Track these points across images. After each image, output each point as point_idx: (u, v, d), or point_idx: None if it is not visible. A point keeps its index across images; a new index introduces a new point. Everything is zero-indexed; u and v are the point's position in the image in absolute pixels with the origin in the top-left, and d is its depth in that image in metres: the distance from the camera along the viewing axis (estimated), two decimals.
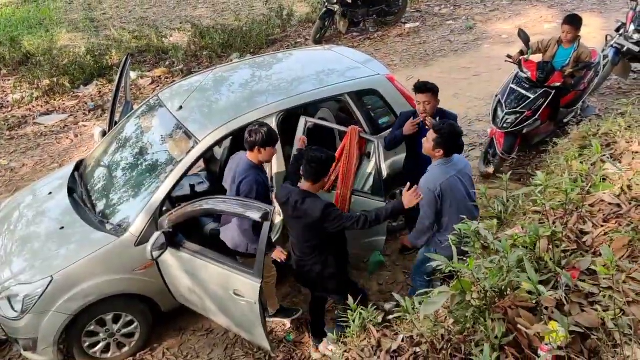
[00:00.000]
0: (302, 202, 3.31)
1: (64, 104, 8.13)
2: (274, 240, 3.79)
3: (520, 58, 5.33)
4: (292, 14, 10.60)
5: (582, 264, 2.29)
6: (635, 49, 6.20)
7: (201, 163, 5.24)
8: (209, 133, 3.86)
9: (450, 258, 2.16)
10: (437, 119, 4.00)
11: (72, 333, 3.70)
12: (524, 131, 5.20)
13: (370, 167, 4.12)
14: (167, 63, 9.13)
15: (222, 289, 3.50)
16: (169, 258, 3.67)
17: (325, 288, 3.65)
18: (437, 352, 2.23)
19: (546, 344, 1.97)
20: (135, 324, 3.91)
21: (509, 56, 5.49)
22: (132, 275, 3.72)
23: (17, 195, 4.64)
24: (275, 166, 4.03)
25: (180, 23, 10.72)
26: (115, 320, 3.83)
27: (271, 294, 4.09)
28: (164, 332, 4.19)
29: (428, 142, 3.43)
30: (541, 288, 1.90)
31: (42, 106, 8.07)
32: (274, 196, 3.74)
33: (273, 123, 3.99)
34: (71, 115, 7.82)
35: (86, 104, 8.04)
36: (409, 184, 3.42)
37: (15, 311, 3.55)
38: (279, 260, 3.66)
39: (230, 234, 3.79)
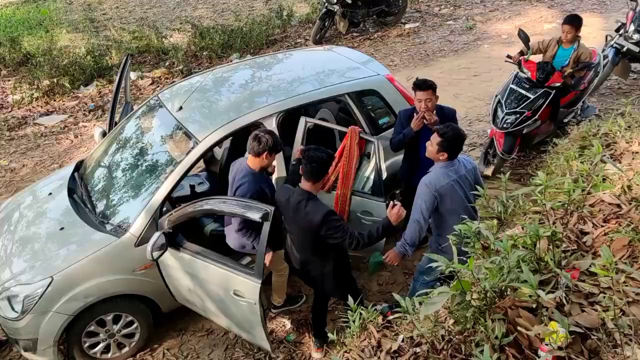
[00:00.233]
0: (304, 204, 3.31)
1: (64, 104, 8.13)
2: None
3: (520, 58, 5.33)
4: (292, 14, 10.60)
5: (582, 264, 2.29)
6: (635, 49, 6.21)
7: (201, 163, 5.25)
8: (209, 133, 3.87)
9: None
10: (435, 113, 4.00)
11: (72, 333, 3.70)
12: (524, 131, 5.20)
13: (370, 167, 4.12)
14: (167, 63, 9.13)
15: (222, 289, 3.50)
16: (169, 258, 3.67)
17: (326, 287, 3.65)
18: (437, 353, 2.23)
19: (546, 344, 1.97)
20: (136, 324, 3.91)
21: (508, 56, 5.50)
22: (132, 275, 3.72)
23: (17, 195, 4.64)
24: (276, 172, 4.04)
25: (180, 23, 10.71)
26: (116, 320, 3.83)
27: (282, 287, 4.15)
28: (164, 332, 4.19)
29: (432, 146, 3.41)
30: (540, 292, 1.89)
31: (42, 107, 8.07)
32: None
33: (273, 123, 4.00)
34: (71, 115, 7.82)
35: (86, 104, 8.05)
36: (391, 203, 3.42)
37: (16, 311, 3.55)
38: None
39: (233, 236, 3.80)
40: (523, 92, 5.18)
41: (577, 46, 5.32)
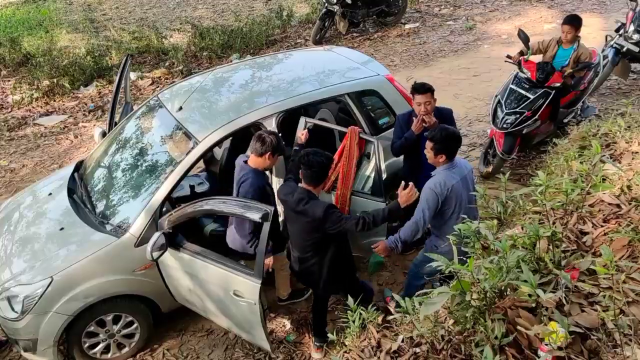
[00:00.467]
0: (305, 202, 3.33)
1: (63, 104, 8.13)
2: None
3: (520, 58, 5.33)
4: (291, 14, 10.61)
5: (581, 264, 2.29)
6: (635, 49, 6.21)
7: (201, 164, 5.25)
8: (209, 134, 3.87)
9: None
10: (433, 115, 4.01)
11: (72, 334, 3.70)
12: (524, 131, 5.21)
13: (370, 167, 4.12)
14: (167, 64, 9.13)
15: (222, 289, 3.50)
16: (169, 259, 3.67)
17: (326, 284, 3.64)
18: (437, 353, 2.24)
19: (546, 345, 1.97)
20: (135, 324, 3.91)
21: (508, 56, 5.50)
22: (132, 276, 3.72)
23: (17, 196, 4.63)
24: (275, 174, 4.04)
25: (180, 24, 10.72)
26: (115, 320, 3.83)
27: (286, 280, 4.17)
28: (164, 332, 4.19)
29: (429, 152, 3.45)
30: (539, 291, 1.89)
31: (42, 107, 8.07)
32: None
33: (273, 124, 4.00)
34: (71, 116, 7.82)
35: (86, 104, 8.05)
36: (403, 182, 3.43)
37: (15, 312, 3.55)
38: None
39: (233, 238, 3.80)
40: (523, 92, 5.18)
41: (577, 46, 5.32)
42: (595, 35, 8.01)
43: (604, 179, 2.88)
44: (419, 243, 4.55)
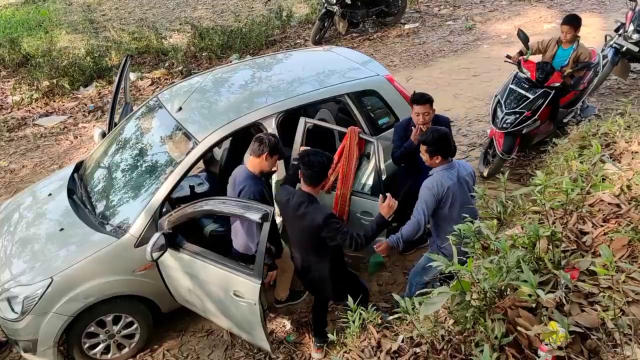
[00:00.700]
0: (305, 205, 3.32)
1: (63, 105, 8.13)
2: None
3: (520, 58, 5.33)
4: (291, 15, 10.61)
5: (581, 264, 2.29)
6: (635, 48, 6.21)
7: (201, 164, 5.25)
8: (209, 134, 3.87)
9: None
10: (431, 123, 4.03)
11: (72, 334, 3.70)
12: (524, 131, 5.21)
13: (369, 167, 4.12)
14: (167, 64, 9.13)
15: (221, 289, 3.50)
16: (169, 259, 3.67)
17: (325, 290, 3.65)
18: (437, 353, 2.24)
19: (546, 344, 1.97)
20: (135, 325, 3.91)
21: (508, 56, 5.50)
22: (132, 276, 3.72)
23: (17, 196, 4.63)
24: (275, 174, 4.04)
25: (180, 24, 10.72)
26: (115, 321, 3.83)
27: (287, 282, 4.16)
28: (164, 333, 4.19)
29: (424, 155, 3.49)
30: (539, 292, 1.89)
31: (41, 107, 8.07)
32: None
33: (272, 124, 4.00)
34: (71, 116, 7.82)
35: (86, 105, 8.05)
36: (381, 196, 3.46)
37: (15, 312, 3.55)
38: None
39: (237, 237, 3.80)
40: (522, 92, 5.18)
41: (577, 46, 5.32)
42: (594, 35, 8.02)
43: (603, 179, 2.88)
44: (418, 243, 4.55)
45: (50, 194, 4.30)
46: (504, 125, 5.15)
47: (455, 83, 7.70)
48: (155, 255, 3.47)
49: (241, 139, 4.50)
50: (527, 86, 5.19)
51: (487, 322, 2.07)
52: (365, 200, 3.99)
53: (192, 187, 4.85)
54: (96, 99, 8.22)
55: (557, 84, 5.10)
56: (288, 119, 4.19)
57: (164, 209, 3.77)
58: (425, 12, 10.86)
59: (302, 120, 4.11)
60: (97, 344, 3.85)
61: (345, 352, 2.60)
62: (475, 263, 2.16)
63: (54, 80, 8.40)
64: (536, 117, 5.13)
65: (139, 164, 4.22)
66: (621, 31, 6.38)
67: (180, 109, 4.15)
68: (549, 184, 2.35)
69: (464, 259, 2.12)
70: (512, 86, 5.28)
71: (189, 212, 3.52)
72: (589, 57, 5.30)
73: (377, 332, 2.57)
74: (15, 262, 3.76)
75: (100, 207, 4.06)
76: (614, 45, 6.32)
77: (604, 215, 2.67)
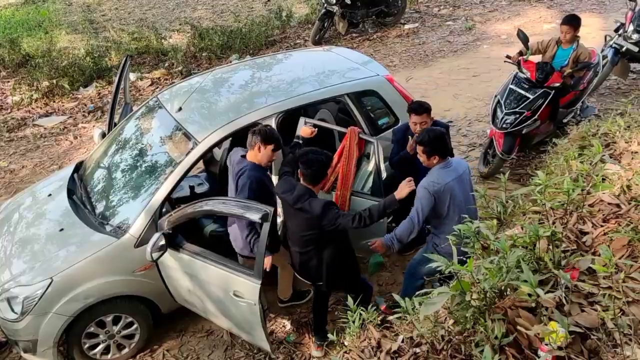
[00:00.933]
0: (306, 199, 3.33)
1: (63, 105, 8.13)
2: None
3: (520, 58, 5.33)
4: (291, 15, 10.60)
5: (581, 264, 2.29)
6: (634, 49, 6.21)
7: (201, 164, 5.25)
8: (209, 134, 3.87)
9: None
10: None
11: (72, 335, 3.70)
12: (524, 131, 5.21)
13: (369, 167, 4.12)
14: (167, 64, 9.12)
15: (221, 290, 3.50)
16: (169, 259, 3.67)
17: (326, 280, 3.64)
18: (437, 353, 2.24)
19: (546, 344, 1.97)
20: (135, 325, 3.91)
21: (508, 57, 5.50)
22: (131, 276, 3.72)
23: (17, 197, 4.63)
24: (274, 171, 4.04)
25: (180, 24, 10.72)
26: (115, 321, 3.83)
27: (289, 282, 4.15)
28: (164, 333, 4.19)
29: (421, 157, 3.50)
30: (539, 291, 1.89)
31: (41, 108, 8.07)
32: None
33: (272, 124, 4.00)
34: (70, 116, 7.82)
35: (85, 105, 8.04)
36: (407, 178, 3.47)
37: (15, 313, 3.55)
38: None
39: (235, 237, 3.80)
40: (522, 92, 5.18)
41: (576, 46, 5.32)
42: (594, 35, 8.02)
43: (603, 179, 2.88)
44: (418, 243, 4.55)
45: (50, 195, 4.30)
46: (504, 126, 5.15)
47: (455, 83, 7.70)
48: (155, 255, 3.47)
49: (241, 139, 4.49)
50: (527, 86, 5.19)
51: (487, 322, 2.07)
52: (365, 201, 3.98)
53: (192, 188, 4.85)
54: (96, 99, 8.22)
55: (557, 84, 5.10)
56: (288, 119, 4.19)
57: (163, 209, 3.77)
58: (425, 12, 10.86)
59: (302, 120, 4.11)
60: (97, 345, 3.84)
61: (345, 352, 2.60)
62: (475, 263, 2.16)
63: (54, 81, 8.40)
64: (536, 117, 5.13)
65: (138, 164, 4.22)
66: (621, 31, 6.38)
67: (180, 109, 4.15)
68: (549, 184, 2.35)
69: (464, 259, 2.13)
70: (512, 86, 5.28)
71: (189, 212, 3.52)
72: (588, 57, 5.30)
73: (377, 332, 2.57)
74: (15, 262, 3.76)
75: (100, 207, 4.06)
76: (614, 45, 6.32)
77: (604, 215, 2.67)
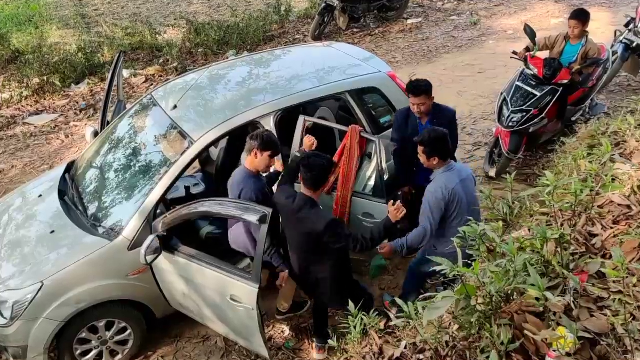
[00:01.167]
0: (307, 209, 3.33)
1: (54, 103, 8.13)
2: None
3: (527, 54, 5.34)
4: (290, 9, 10.60)
5: (591, 267, 2.29)
6: None
7: (197, 164, 5.25)
8: (205, 133, 3.87)
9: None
10: (431, 117, 4.02)
11: (63, 340, 3.70)
12: (531, 130, 5.21)
13: (371, 167, 4.12)
14: (161, 61, 9.13)
15: (218, 294, 3.49)
16: (164, 263, 3.67)
17: (324, 294, 3.65)
18: (441, 359, 2.24)
19: (554, 351, 1.97)
20: (129, 331, 3.91)
21: (514, 52, 5.50)
22: (125, 280, 3.72)
23: (6, 197, 4.63)
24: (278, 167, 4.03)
25: (175, 19, 10.73)
26: (108, 327, 3.82)
27: (291, 292, 4.14)
28: (159, 339, 4.18)
29: (422, 158, 3.50)
30: (548, 294, 1.89)
31: (31, 106, 8.06)
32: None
33: (271, 122, 4.00)
34: (62, 115, 7.82)
35: (77, 103, 8.04)
36: (391, 201, 3.47)
37: (5, 318, 3.55)
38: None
39: (237, 238, 3.80)
40: (529, 89, 5.18)
41: (585, 42, 5.32)
42: (604, 30, 8.02)
43: (613, 179, 2.88)
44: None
45: (40, 195, 4.30)
46: (510, 124, 5.15)
47: (460, 80, 7.70)
48: (150, 258, 3.47)
49: (238, 138, 4.50)
50: (534, 83, 5.19)
51: (493, 328, 2.07)
52: (367, 202, 3.99)
53: (187, 188, 4.85)
54: (88, 97, 8.22)
55: (565, 81, 5.10)
56: (287, 118, 4.19)
57: (158, 211, 3.77)
58: (429, 6, 10.86)
59: (301, 118, 4.11)
60: (89, 351, 3.84)
61: (346, 358, 2.60)
62: (481, 266, 2.16)
63: (45, 78, 8.40)
64: (543, 115, 5.13)
65: (132, 164, 4.22)
66: (631, 26, 6.38)
67: (175, 107, 4.15)
68: (557, 184, 2.35)
69: (469, 262, 2.12)
70: (518, 83, 5.29)
71: (184, 213, 3.52)
72: (598, 53, 5.30)
73: (379, 338, 2.57)
74: (5, 265, 3.76)
75: (92, 208, 4.06)
76: (624, 40, 6.32)
77: (614, 216, 2.67)
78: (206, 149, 4.00)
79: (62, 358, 3.79)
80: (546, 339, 2.00)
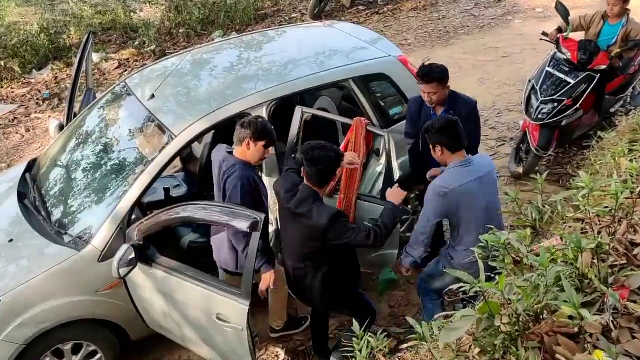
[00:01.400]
0: (309, 203, 3.32)
1: (13, 92, 8.13)
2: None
3: (559, 36, 5.34)
4: None
5: (632, 281, 2.29)
6: None
7: (178, 162, 5.25)
8: (187, 126, 3.87)
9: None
10: (447, 108, 4.02)
11: None
12: (563, 123, 5.22)
13: (379, 166, 4.12)
14: (137, 43, 9.14)
15: (203, 312, 3.50)
16: (140, 276, 3.67)
17: (317, 300, 3.66)
18: None
19: None
20: (99, 355, 3.91)
21: (544, 34, 5.51)
22: (95, 296, 3.72)
23: None
24: (265, 171, 4.04)
25: None
26: (75, 350, 3.82)
27: (282, 306, 4.15)
28: None
29: (432, 151, 3.52)
30: (584, 312, 1.89)
31: None
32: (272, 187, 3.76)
33: (263, 114, 4.00)
34: (22, 105, 7.83)
35: (40, 92, 8.06)
36: (389, 189, 3.55)
37: None
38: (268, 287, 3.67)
39: (217, 248, 3.81)
40: (562, 76, 5.19)
41: (626, 21, 5.33)
42: None
43: None
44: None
45: None
46: (540, 116, 5.16)
47: (481, 65, 7.72)
48: (123, 271, 3.47)
49: (226, 133, 4.50)
50: (567, 69, 5.20)
51: (520, 351, 2.07)
52: (375, 206, 3.99)
53: (167, 190, 4.86)
54: (52, 85, 8.23)
55: (603, 67, 5.11)
56: (282, 109, 4.20)
57: (133, 216, 3.78)
58: None
59: (298, 110, 4.12)
60: None
61: None
62: (506, 280, 2.16)
63: (2, 62, 8.39)
64: (578, 106, 5.14)
65: (103, 162, 4.23)
66: None
67: (152, 96, 4.16)
68: (593, 186, 2.35)
69: (492, 275, 2.13)
70: (549, 69, 5.30)
71: (164, 219, 3.52)
72: None
73: None
74: None
75: (57, 213, 4.07)
76: None
77: None
78: (188, 144, 4.01)
79: None
80: None
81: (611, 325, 2.10)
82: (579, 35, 5.48)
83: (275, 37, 5.23)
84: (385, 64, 4.62)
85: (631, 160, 3.25)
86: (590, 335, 2.09)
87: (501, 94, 7.02)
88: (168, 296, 3.64)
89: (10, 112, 7.68)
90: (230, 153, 3.67)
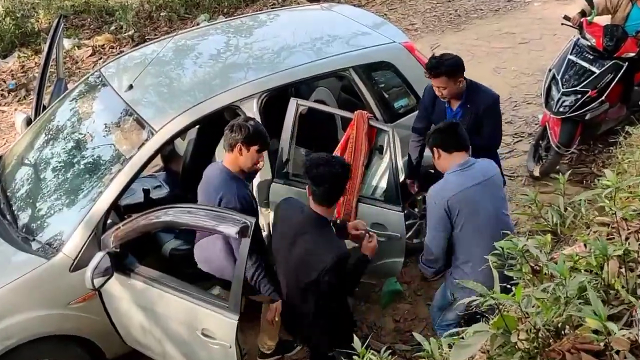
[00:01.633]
0: (313, 232, 3.32)
1: None
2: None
3: (582, 20, 5.35)
4: None
5: None
6: None
7: (158, 161, 5.25)
8: (168, 121, 3.87)
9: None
10: (464, 102, 4.02)
11: None
12: (587, 117, 5.22)
13: (383, 165, 4.12)
14: (113, 28, 9.14)
15: (186, 327, 3.50)
16: (116, 287, 3.66)
17: (308, 335, 3.68)
18: None
19: None
20: None
21: (566, 18, 5.51)
22: (66, 310, 3.71)
23: None
24: (258, 175, 4.04)
25: None
26: None
27: (274, 327, 4.10)
28: None
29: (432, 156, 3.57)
30: (611, 325, 1.90)
31: None
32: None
33: (254, 107, 4.00)
34: None
35: (4, 82, 8.05)
36: (367, 235, 3.54)
37: None
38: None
39: (203, 257, 3.80)
40: (585, 65, 5.20)
41: None
42: None
43: None
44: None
45: None
46: (562, 109, 5.16)
47: (496, 53, 7.73)
48: (98, 281, 3.46)
49: (212, 127, 4.50)
50: (591, 57, 5.21)
51: None
52: (377, 209, 3.99)
53: (146, 192, 4.85)
54: (19, 74, 8.22)
55: (631, 54, 5.12)
56: (275, 101, 4.20)
57: (109, 221, 3.77)
58: None
59: (293, 102, 4.11)
60: None
61: None
62: (523, 292, 2.16)
63: None
64: (603, 97, 5.15)
65: (75, 160, 4.23)
66: None
67: (130, 87, 4.15)
68: (620, 186, 2.36)
69: (508, 286, 2.13)
70: (571, 57, 5.30)
71: (143, 224, 3.52)
72: None
73: None
74: None
75: (24, 217, 4.06)
76: None
77: None
78: (170, 141, 4.01)
79: None
80: None
81: None
82: (604, 20, 5.49)
83: (267, 21, 5.23)
84: (390, 51, 4.61)
85: None
86: (617, 352, 2.09)
87: (518, 84, 7.02)
88: (148, 309, 3.63)
89: None
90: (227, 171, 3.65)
